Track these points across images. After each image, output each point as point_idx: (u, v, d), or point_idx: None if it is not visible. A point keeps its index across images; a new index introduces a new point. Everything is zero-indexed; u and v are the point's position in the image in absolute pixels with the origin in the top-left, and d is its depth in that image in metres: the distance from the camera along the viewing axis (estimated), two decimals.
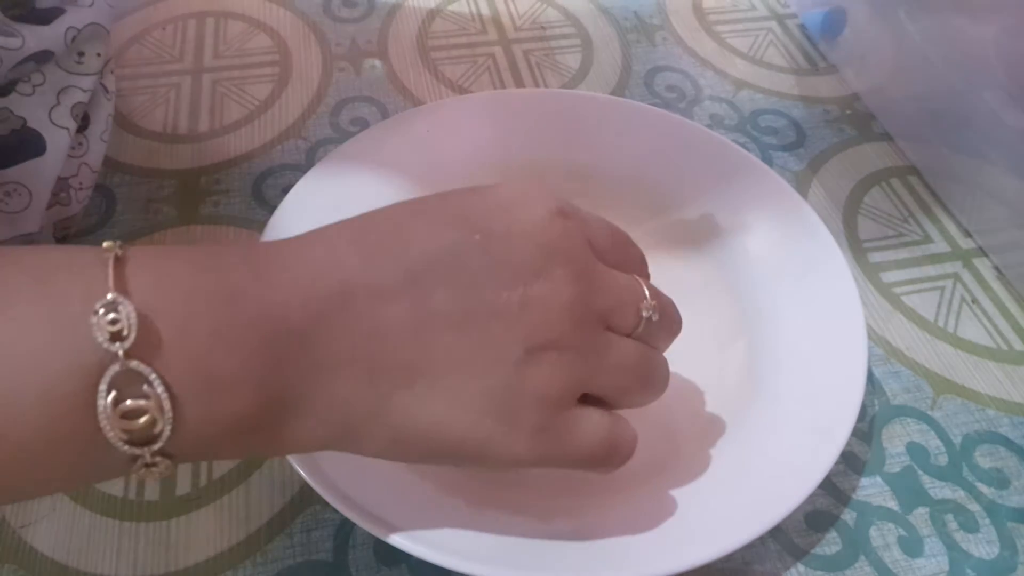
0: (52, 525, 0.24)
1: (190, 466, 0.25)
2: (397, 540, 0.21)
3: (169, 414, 0.15)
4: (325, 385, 0.17)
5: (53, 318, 0.15)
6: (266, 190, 0.33)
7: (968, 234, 0.34)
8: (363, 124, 0.36)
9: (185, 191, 0.33)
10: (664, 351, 0.22)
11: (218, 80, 0.37)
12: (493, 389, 0.18)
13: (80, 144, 0.28)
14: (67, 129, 0.27)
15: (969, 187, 0.33)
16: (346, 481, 0.22)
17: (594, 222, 0.21)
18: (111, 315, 0.15)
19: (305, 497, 0.25)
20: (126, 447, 0.15)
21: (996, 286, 0.32)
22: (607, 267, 0.21)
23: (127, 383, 0.15)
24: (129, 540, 0.24)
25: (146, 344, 0.15)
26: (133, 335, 0.15)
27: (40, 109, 0.26)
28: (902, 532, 0.25)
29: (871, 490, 0.26)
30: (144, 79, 0.37)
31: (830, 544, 0.25)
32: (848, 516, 0.25)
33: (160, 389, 0.15)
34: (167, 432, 0.16)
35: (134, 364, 0.15)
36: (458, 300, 0.18)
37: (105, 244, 0.16)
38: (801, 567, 0.24)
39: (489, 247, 0.19)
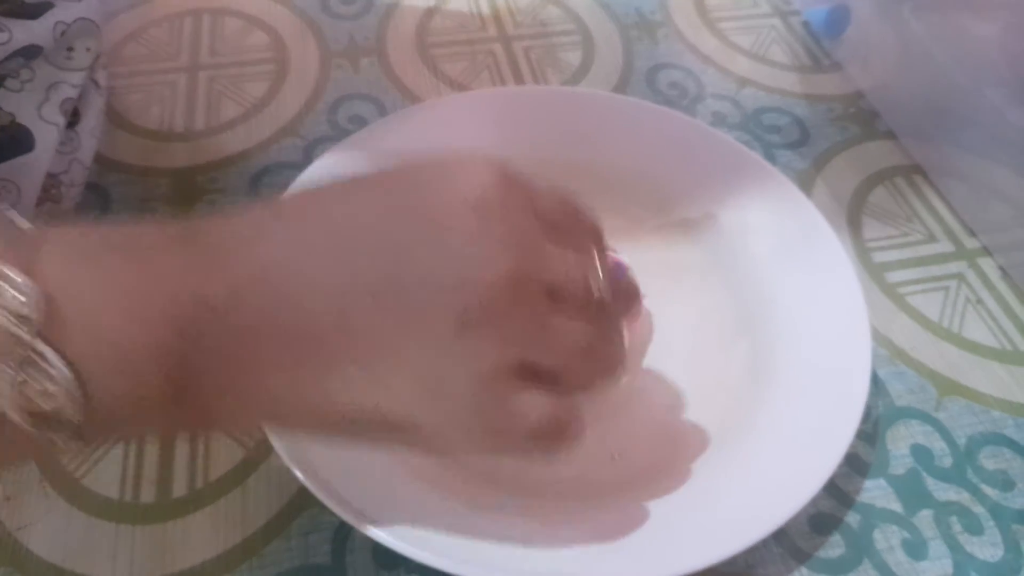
0: (48, 527, 0.24)
1: (186, 468, 0.25)
2: (395, 543, 0.20)
3: (78, 396, 0.15)
4: (245, 364, 0.17)
5: None
6: (263, 189, 0.33)
7: (973, 233, 0.33)
8: (361, 122, 0.35)
9: (181, 190, 0.32)
10: (621, 330, 0.21)
11: (214, 77, 0.37)
12: (423, 367, 0.17)
13: (71, 140, 0.28)
14: (56, 125, 0.26)
15: (974, 186, 0.33)
16: (344, 484, 0.22)
17: (543, 191, 0.20)
18: (20, 296, 0.15)
19: (302, 500, 0.24)
20: (35, 430, 0.15)
21: (1001, 286, 0.32)
22: (554, 239, 0.19)
23: (33, 365, 0.15)
24: (125, 543, 0.23)
25: (54, 326, 0.15)
26: (38, 316, 0.15)
27: (29, 105, 0.26)
28: (906, 535, 0.25)
29: (875, 492, 0.26)
30: (140, 76, 0.37)
31: (834, 547, 0.24)
32: (852, 519, 0.25)
33: (66, 371, 0.15)
34: (76, 415, 0.15)
35: (39, 346, 0.15)
36: (386, 274, 0.17)
37: (23, 224, 0.16)
38: (805, 570, 0.24)
39: (422, 216, 0.17)
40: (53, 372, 0.15)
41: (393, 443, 0.19)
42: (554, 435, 0.19)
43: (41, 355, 0.15)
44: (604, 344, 0.20)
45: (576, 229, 0.20)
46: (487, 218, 0.18)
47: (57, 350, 0.15)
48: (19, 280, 0.15)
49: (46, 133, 0.26)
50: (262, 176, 0.33)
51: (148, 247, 0.17)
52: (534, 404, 0.18)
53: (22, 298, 0.15)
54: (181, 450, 0.25)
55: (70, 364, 0.15)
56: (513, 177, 0.19)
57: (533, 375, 0.19)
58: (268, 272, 0.17)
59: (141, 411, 0.16)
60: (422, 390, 0.17)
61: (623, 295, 0.21)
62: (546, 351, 0.19)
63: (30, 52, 0.25)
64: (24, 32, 0.25)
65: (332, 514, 0.21)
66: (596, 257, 0.20)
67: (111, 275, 0.16)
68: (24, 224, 0.16)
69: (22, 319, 0.15)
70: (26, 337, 0.15)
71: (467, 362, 0.17)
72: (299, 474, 0.21)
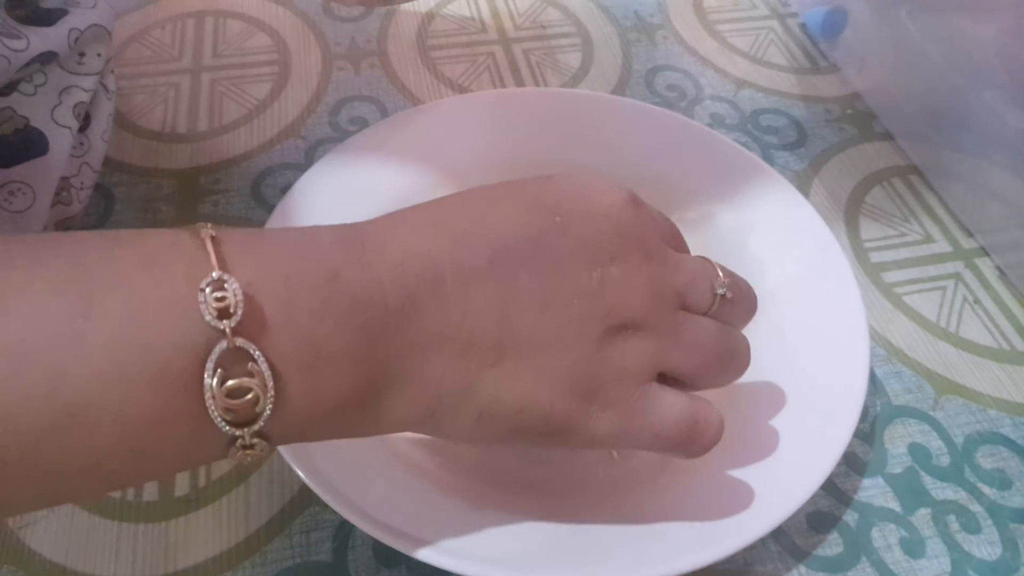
0: (50, 526, 0.24)
1: None
2: (396, 542, 0.21)
3: (271, 392, 0.16)
4: (418, 364, 0.18)
5: (161, 298, 0.15)
6: (265, 189, 0.33)
7: (970, 234, 0.33)
8: (362, 123, 0.36)
9: (184, 191, 0.33)
10: (742, 328, 0.23)
11: (217, 79, 0.37)
12: (574, 366, 0.19)
13: (81, 144, 0.28)
14: (69, 128, 0.27)
15: (971, 187, 0.33)
16: (345, 482, 0.22)
17: (656, 211, 0.22)
18: (218, 293, 0.15)
19: (304, 498, 0.25)
20: (228, 427, 0.15)
21: (998, 286, 0.32)
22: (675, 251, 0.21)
23: (233, 361, 0.15)
24: (128, 541, 0.24)
25: (252, 322, 0.15)
26: (240, 312, 0.15)
27: (43, 109, 0.26)
28: (904, 533, 0.25)
29: (873, 491, 0.26)
30: (143, 78, 0.37)
31: (832, 545, 0.25)
32: (850, 517, 0.25)
33: (264, 367, 0.15)
34: (268, 411, 0.16)
35: (240, 342, 0.15)
36: (540, 281, 0.19)
37: (197, 225, 0.16)
38: (803, 568, 0.24)
39: (568, 230, 0.19)
40: (252, 368, 0.15)
41: (548, 447, 0.20)
42: (693, 434, 0.20)
43: (243, 352, 0.15)
44: (731, 342, 0.22)
45: (681, 243, 0.23)
46: (626, 235, 0.20)
47: (257, 346, 0.15)
48: (216, 276, 0.15)
49: (59, 136, 0.26)
50: (264, 177, 0.33)
51: (326, 248, 0.17)
52: (673, 403, 0.20)
53: (224, 294, 0.15)
54: None
55: (268, 361, 0.15)
56: (637, 197, 0.21)
57: (671, 377, 0.21)
58: (439, 276, 0.18)
59: (328, 412, 0.17)
60: (580, 390, 0.19)
61: (746, 294, 0.23)
62: (681, 350, 0.20)
63: (45, 58, 0.26)
64: (40, 39, 0.25)
65: (333, 512, 0.21)
66: (715, 263, 0.22)
67: (298, 274, 0.16)
68: (206, 227, 0.16)
69: (224, 315, 0.15)
70: (228, 332, 0.15)
71: (616, 365, 0.19)
72: (300, 472, 0.22)
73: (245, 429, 0.16)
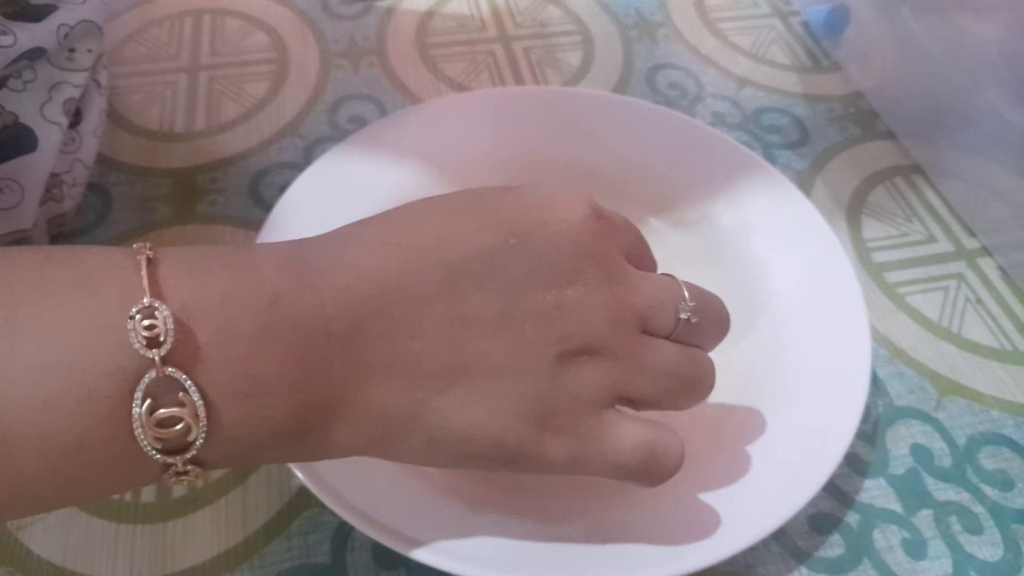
0: (48, 527, 0.24)
1: None
2: (395, 543, 0.20)
3: (203, 422, 0.15)
4: (362, 390, 0.17)
5: (91, 321, 0.15)
6: (263, 189, 0.33)
7: (972, 234, 0.33)
8: (361, 122, 0.35)
9: (181, 190, 0.32)
10: (710, 350, 0.22)
11: (215, 78, 0.37)
12: (527, 392, 0.18)
13: (73, 140, 0.28)
14: (59, 125, 0.26)
15: (973, 186, 0.33)
16: (344, 484, 0.22)
17: (620, 222, 0.21)
18: (147, 320, 0.15)
19: (303, 500, 0.24)
20: (159, 456, 0.15)
21: (1001, 286, 0.32)
22: (638, 269, 0.20)
23: (163, 390, 0.15)
24: (126, 543, 0.23)
25: (183, 350, 0.15)
26: (169, 341, 0.15)
27: (32, 105, 0.26)
28: (906, 534, 0.25)
29: (875, 492, 0.26)
30: (140, 77, 0.37)
31: (833, 547, 0.24)
32: (852, 518, 0.25)
33: (196, 397, 0.15)
34: (200, 440, 0.15)
35: (170, 371, 0.15)
36: (494, 304, 0.18)
37: (135, 245, 0.16)
38: (804, 570, 0.24)
39: (525, 250, 0.18)
40: (183, 397, 0.15)
41: (500, 471, 0.19)
42: (651, 464, 0.20)
43: (173, 381, 0.15)
44: (695, 365, 0.21)
45: (648, 258, 0.22)
46: (585, 254, 0.19)
47: (188, 375, 0.15)
48: (147, 303, 0.15)
49: (49, 133, 0.26)
50: (262, 176, 0.33)
51: (267, 270, 0.17)
52: (631, 431, 0.19)
53: (154, 321, 0.15)
54: None
55: (200, 389, 0.15)
56: (601, 210, 0.20)
57: (631, 402, 0.20)
58: (385, 298, 0.17)
59: (266, 439, 0.16)
60: (533, 417, 0.18)
61: (715, 314, 0.22)
62: (641, 375, 0.19)
63: (33, 54, 0.25)
64: (28, 35, 0.25)
65: (332, 514, 0.21)
66: (681, 283, 0.21)
67: (235, 300, 0.16)
68: (144, 248, 0.16)
69: (153, 343, 0.15)
70: (157, 362, 0.15)
71: (571, 391, 0.18)
72: (299, 474, 0.21)
73: (177, 457, 0.15)
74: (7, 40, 0.24)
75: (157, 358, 0.15)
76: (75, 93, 0.27)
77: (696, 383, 0.21)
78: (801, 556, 0.24)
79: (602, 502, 0.23)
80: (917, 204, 0.34)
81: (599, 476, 0.20)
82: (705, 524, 0.22)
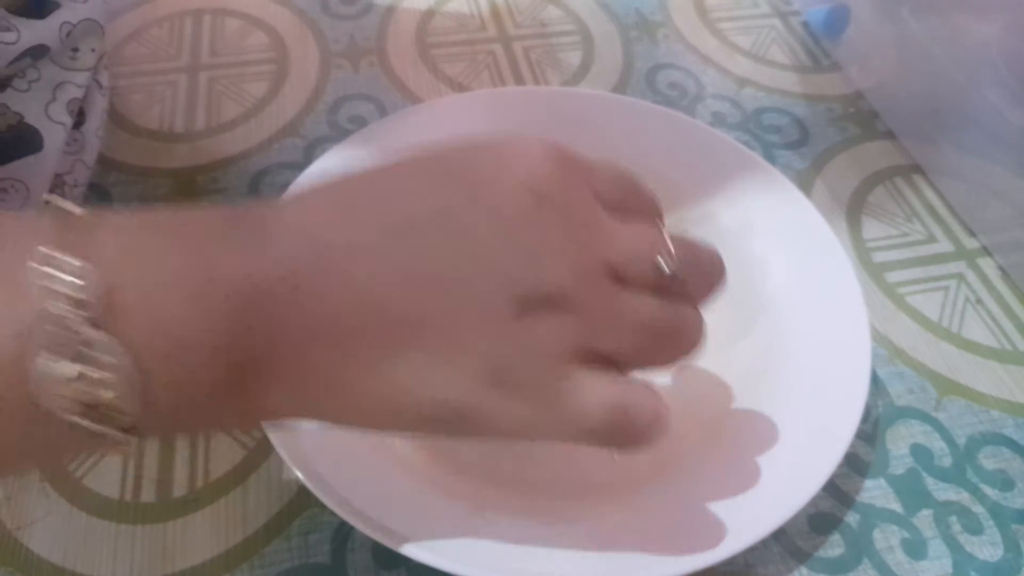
0: (48, 527, 0.24)
1: (187, 468, 0.25)
2: (395, 543, 0.20)
3: (137, 386, 0.15)
4: (301, 352, 0.16)
5: (13, 283, 0.14)
6: (263, 189, 0.33)
7: (972, 234, 0.33)
8: (361, 122, 0.35)
9: (182, 190, 0.32)
10: (702, 303, 0.20)
11: (215, 78, 0.37)
12: (483, 350, 0.17)
13: (75, 140, 0.28)
14: (63, 125, 0.26)
15: (974, 186, 0.33)
16: (344, 484, 0.22)
17: (600, 168, 0.19)
18: (72, 278, 0.14)
19: (303, 500, 0.24)
20: (79, 419, 0.15)
21: (1001, 286, 0.32)
22: (617, 216, 0.19)
23: (86, 350, 0.14)
24: (125, 543, 0.23)
25: (110, 309, 0.14)
26: (95, 300, 0.14)
27: (37, 105, 0.26)
28: (906, 534, 0.25)
29: (875, 492, 0.26)
30: (140, 77, 0.37)
31: (833, 547, 0.24)
32: (851, 518, 0.25)
33: (121, 358, 0.14)
34: (123, 403, 0.15)
35: (93, 331, 0.14)
36: (443, 258, 0.17)
37: (75, 210, 0.15)
38: (804, 570, 0.24)
39: (479, 201, 0.17)
40: (112, 360, 0.14)
41: (455, 436, 0.18)
42: (623, 425, 0.18)
43: (100, 343, 0.14)
44: (676, 320, 0.19)
45: (637, 204, 0.20)
46: (546, 201, 0.17)
47: (117, 337, 0.14)
48: (77, 265, 0.14)
49: (54, 133, 0.26)
50: (262, 176, 0.33)
51: (203, 232, 0.16)
52: (601, 390, 0.18)
53: (81, 282, 0.14)
54: (181, 450, 0.25)
55: (130, 352, 0.15)
56: (570, 156, 0.18)
57: (603, 359, 0.18)
58: (326, 255, 0.16)
59: (197, 403, 0.16)
60: (486, 375, 0.17)
61: (705, 267, 0.20)
62: (612, 331, 0.18)
63: (37, 52, 0.25)
64: (31, 32, 0.25)
65: (332, 514, 0.21)
66: (663, 231, 0.19)
67: (168, 261, 0.15)
68: (76, 210, 0.15)
69: (80, 305, 0.14)
70: (85, 324, 0.14)
71: (528, 347, 0.17)
72: (299, 474, 0.21)
73: (101, 423, 0.15)
74: (10, 36, 0.24)
75: (81, 317, 0.14)
76: (78, 93, 0.27)
77: (675, 337, 0.19)
78: (801, 556, 0.24)
79: (603, 502, 0.23)
80: (917, 204, 0.34)
81: (564, 440, 0.18)
82: (705, 524, 0.22)
